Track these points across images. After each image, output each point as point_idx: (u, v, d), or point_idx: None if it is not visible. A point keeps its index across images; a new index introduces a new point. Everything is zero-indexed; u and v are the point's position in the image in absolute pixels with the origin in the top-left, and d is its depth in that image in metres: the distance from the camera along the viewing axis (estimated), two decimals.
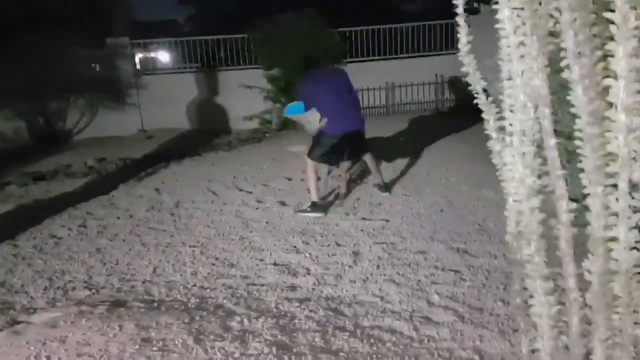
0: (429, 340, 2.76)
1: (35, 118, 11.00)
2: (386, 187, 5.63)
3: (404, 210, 5.03)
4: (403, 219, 4.78)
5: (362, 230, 4.59)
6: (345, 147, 5.28)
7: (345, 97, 5.29)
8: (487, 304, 3.13)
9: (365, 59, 12.19)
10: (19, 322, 3.14)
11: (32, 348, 2.76)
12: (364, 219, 4.89)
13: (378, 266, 3.83)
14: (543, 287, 1.36)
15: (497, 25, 1.30)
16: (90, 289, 3.71)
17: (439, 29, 12.37)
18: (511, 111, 1.34)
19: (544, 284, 1.36)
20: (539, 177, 1.35)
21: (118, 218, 5.31)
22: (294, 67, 10.46)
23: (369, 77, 11.45)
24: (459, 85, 11.40)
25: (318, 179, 5.40)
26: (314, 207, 5.14)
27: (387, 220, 4.79)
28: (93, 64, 11.97)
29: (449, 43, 12.24)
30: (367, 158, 5.59)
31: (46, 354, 2.71)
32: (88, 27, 11.09)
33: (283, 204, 5.48)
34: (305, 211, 5.14)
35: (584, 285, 1.37)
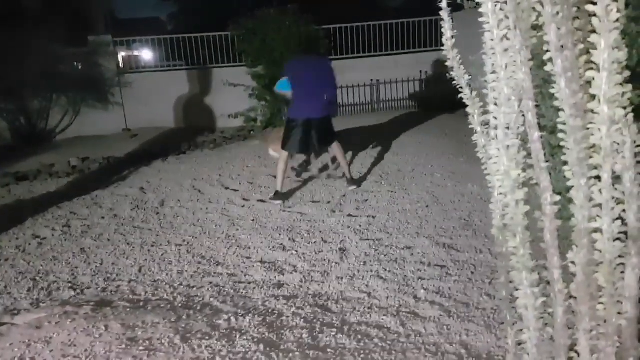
0: (416, 336, 2.78)
1: (17, 117, 10.84)
2: (353, 181, 5.73)
3: (390, 207, 5.04)
4: (389, 215, 4.79)
5: (348, 227, 4.60)
6: (309, 134, 5.48)
7: (316, 84, 5.43)
8: (473, 299, 3.15)
9: (349, 56, 12.18)
10: (2, 324, 3.10)
11: (16, 350, 2.73)
12: (350, 215, 4.89)
13: (365, 262, 3.84)
14: (528, 279, 1.37)
15: (480, 19, 1.31)
16: (75, 290, 3.67)
17: (424, 26, 12.40)
18: (495, 104, 1.35)
19: (529, 276, 1.37)
20: (524, 170, 1.36)
21: (102, 218, 5.26)
22: (278, 65, 10.44)
23: (353, 74, 11.45)
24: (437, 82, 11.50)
25: (295, 170, 5.94)
26: (276, 195, 5.45)
27: (373, 217, 4.80)
28: (75, 63, 11.82)
29: (434, 40, 12.28)
30: (334, 147, 5.73)
31: (31, 355, 2.68)
32: (70, 24, 10.95)
33: (269, 201, 5.46)
34: (272, 200, 5.44)
35: (568, 277, 1.38)
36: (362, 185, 5.76)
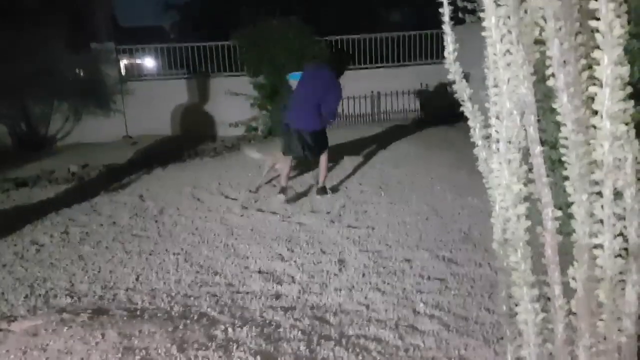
0: (414, 349, 2.76)
1: (18, 123, 10.84)
2: (323, 190, 5.89)
3: (389, 218, 5.03)
4: (388, 227, 4.78)
5: (347, 238, 4.58)
6: (299, 142, 5.72)
7: (312, 97, 5.59)
8: (472, 313, 3.14)
9: (350, 67, 12.21)
10: None
11: (12, 357, 2.71)
12: (349, 226, 4.88)
13: (363, 274, 3.82)
14: (529, 295, 1.36)
15: (483, 33, 1.31)
16: (72, 297, 3.65)
17: (425, 39, 12.45)
18: (497, 118, 1.34)
19: (530, 291, 1.36)
20: (525, 184, 1.36)
21: (101, 225, 5.25)
22: (279, 75, 10.48)
23: (354, 85, 11.46)
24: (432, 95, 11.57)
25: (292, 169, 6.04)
26: (282, 190, 5.79)
27: (373, 228, 4.78)
28: (78, 69, 11.85)
29: (435, 53, 12.33)
30: (321, 158, 5.88)
31: None
32: (73, 31, 11.00)
33: (268, 211, 5.46)
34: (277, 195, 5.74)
35: (568, 293, 1.37)
36: (362, 196, 5.75)
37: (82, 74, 11.88)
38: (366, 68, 12.35)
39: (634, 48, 2.35)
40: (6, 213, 5.88)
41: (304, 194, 6.01)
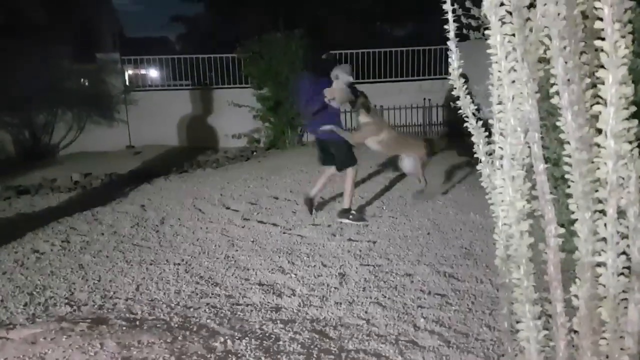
0: None
1: (21, 131, 10.89)
2: (346, 213, 5.42)
3: (390, 232, 5.03)
4: (390, 241, 4.77)
5: (348, 251, 4.58)
6: (321, 151, 5.62)
7: (309, 105, 5.41)
8: (473, 329, 3.12)
9: (354, 81, 12.26)
10: None
11: None
12: (350, 240, 4.88)
13: (364, 288, 3.81)
14: (531, 312, 1.36)
15: (489, 51, 1.32)
16: (71, 306, 3.65)
17: (428, 54, 12.52)
18: (502, 135, 1.35)
19: (532, 308, 1.36)
20: (528, 201, 1.36)
21: (102, 234, 5.25)
22: (283, 87, 10.53)
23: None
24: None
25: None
26: (347, 213, 5.42)
27: (374, 242, 4.78)
28: (82, 79, 11.92)
29: (438, 68, 12.39)
30: (346, 173, 5.44)
31: None
32: (78, 41, 11.09)
33: (270, 223, 5.46)
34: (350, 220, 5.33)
35: (570, 311, 1.37)
36: (363, 210, 5.74)
37: (86, 83, 11.96)
38: (369, 82, 12.40)
39: (637, 67, 2.36)
40: (8, 220, 5.89)
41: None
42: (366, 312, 3.42)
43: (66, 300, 3.74)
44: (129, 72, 13.30)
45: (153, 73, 15.14)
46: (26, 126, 10.87)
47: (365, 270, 4.13)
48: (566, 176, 1.29)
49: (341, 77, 5.31)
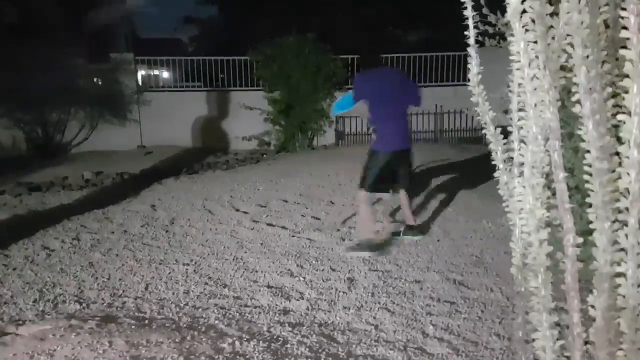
0: None
1: (34, 128, 10.98)
2: (409, 229, 4.88)
3: (400, 238, 5.00)
4: (399, 247, 4.76)
5: (357, 256, 4.56)
6: (393, 169, 4.71)
7: (398, 104, 4.65)
8: (483, 338, 3.10)
9: None
10: (6, 334, 3.09)
11: None
12: (359, 244, 4.86)
13: (373, 294, 3.80)
14: (548, 321, 1.35)
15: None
16: (80, 303, 3.66)
17: (440, 61, 12.51)
18: (522, 142, 1.34)
19: (549, 317, 1.34)
20: (547, 209, 1.35)
21: (112, 232, 5.27)
22: (294, 91, 10.56)
23: None
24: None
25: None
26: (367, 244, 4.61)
27: (383, 248, 4.76)
28: (96, 78, 12.02)
29: (451, 75, 12.38)
30: (402, 193, 4.82)
31: None
32: (93, 41, 11.18)
33: (279, 225, 5.45)
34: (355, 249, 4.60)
35: (587, 321, 1.36)
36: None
37: (100, 83, 12.06)
38: None
39: None
40: (19, 217, 5.92)
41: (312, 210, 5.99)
42: (374, 318, 3.41)
43: (75, 298, 3.76)
44: (142, 72, 13.40)
45: (165, 74, 15.23)
46: (39, 124, 10.97)
47: (374, 276, 4.11)
48: (586, 185, 1.28)
49: None
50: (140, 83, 12.57)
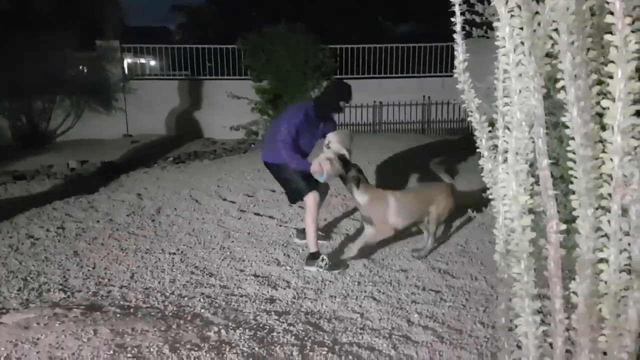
0: None
1: (19, 117, 10.84)
2: (313, 257, 4.11)
3: None
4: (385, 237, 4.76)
5: (345, 245, 4.57)
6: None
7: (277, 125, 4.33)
8: (467, 326, 3.12)
9: (354, 76, 12.26)
10: None
11: (2, 349, 2.68)
12: (347, 234, 4.86)
13: (359, 282, 3.81)
14: (530, 307, 1.35)
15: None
16: (65, 292, 3.63)
17: (429, 52, 12.51)
18: (507, 128, 1.34)
19: (531, 303, 1.35)
20: (531, 196, 1.35)
21: (98, 221, 5.23)
22: (283, 80, 10.50)
23: (357, 94, 11.47)
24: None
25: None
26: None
27: None
28: (81, 66, 11.87)
29: (439, 66, 12.39)
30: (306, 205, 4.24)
31: (17, 355, 2.63)
32: (79, 28, 11.02)
33: (266, 215, 5.44)
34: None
35: (569, 308, 1.37)
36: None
37: (85, 70, 11.91)
38: (370, 78, 12.39)
39: None
40: (2, 205, 5.86)
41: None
42: (360, 306, 3.42)
43: (60, 287, 3.73)
44: (128, 60, 13.27)
45: (152, 62, 15.09)
46: (24, 112, 10.82)
47: (360, 265, 4.12)
48: (570, 172, 1.28)
49: (333, 145, 4.14)
50: (126, 71, 12.43)
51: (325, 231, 4.86)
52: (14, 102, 10.63)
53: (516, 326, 1.43)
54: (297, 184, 4.22)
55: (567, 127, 1.29)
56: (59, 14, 10.81)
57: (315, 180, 4.15)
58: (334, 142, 4.17)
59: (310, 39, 10.77)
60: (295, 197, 4.40)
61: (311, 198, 4.15)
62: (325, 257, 4.06)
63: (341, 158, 4.10)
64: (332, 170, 4.03)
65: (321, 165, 4.02)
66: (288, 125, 4.10)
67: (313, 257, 4.08)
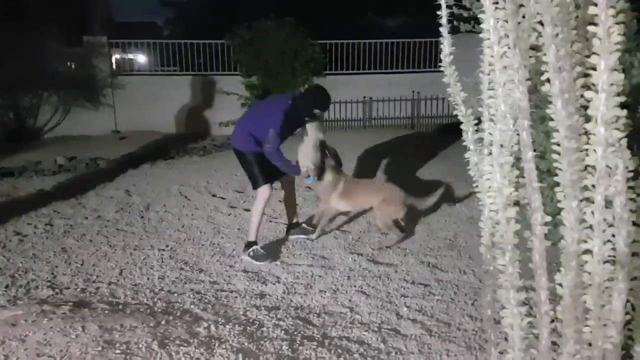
0: (396, 353, 2.75)
1: (6, 113, 10.72)
2: (248, 246, 4.25)
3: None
4: (376, 232, 4.78)
5: (335, 239, 4.57)
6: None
7: (255, 115, 4.59)
8: (455, 319, 3.14)
9: (343, 72, 12.24)
10: None
11: None
12: (336, 229, 4.87)
13: (349, 277, 3.82)
14: (515, 298, 1.36)
15: (481, 35, 1.31)
16: (53, 289, 3.61)
17: (418, 47, 12.51)
18: (491, 120, 1.35)
19: (516, 294, 1.36)
20: (516, 189, 1.36)
21: (86, 218, 5.20)
22: (272, 76, 10.47)
23: (346, 90, 11.50)
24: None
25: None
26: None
27: (361, 232, 4.78)
28: (69, 62, 11.74)
29: (427, 61, 12.39)
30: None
31: (5, 352, 2.61)
32: (66, 23, 10.91)
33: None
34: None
35: (555, 299, 1.38)
36: None
37: (73, 66, 11.79)
38: (359, 73, 12.38)
39: (625, 62, 2.37)
40: None
41: None
42: (350, 301, 3.43)
43: (48, 283, 3.71)
44: (117, 56, 13.15)
45: (141, 58, 14.98)
46: (11, 108, 10.70)
47: (350, 260, 4.13)
48: (554, 164, 1.29)
49: (311, 134, 4.37)
50: (114, 67, 12.32)
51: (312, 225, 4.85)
52: (0, 98, 10.51)
53: (502, 318, 1.43)
54: (256, 173, 4.34)
55: (552, 119, 1.29)
56: (46, 9, 10.69)
57: (274, 175, 4.44)
58: (312, 130, 4.44)
59: (299, 34, 10.75)
60: (253, 184, 4.42)
61: (264, 191, 4.31)
62: (258, 248, 4.21)
63: (321, 144, 4.50)
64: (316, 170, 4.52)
65: (307, 169, 4.47)
66: (275, 126, 4.14)
67: (248, 246, 4.24)
